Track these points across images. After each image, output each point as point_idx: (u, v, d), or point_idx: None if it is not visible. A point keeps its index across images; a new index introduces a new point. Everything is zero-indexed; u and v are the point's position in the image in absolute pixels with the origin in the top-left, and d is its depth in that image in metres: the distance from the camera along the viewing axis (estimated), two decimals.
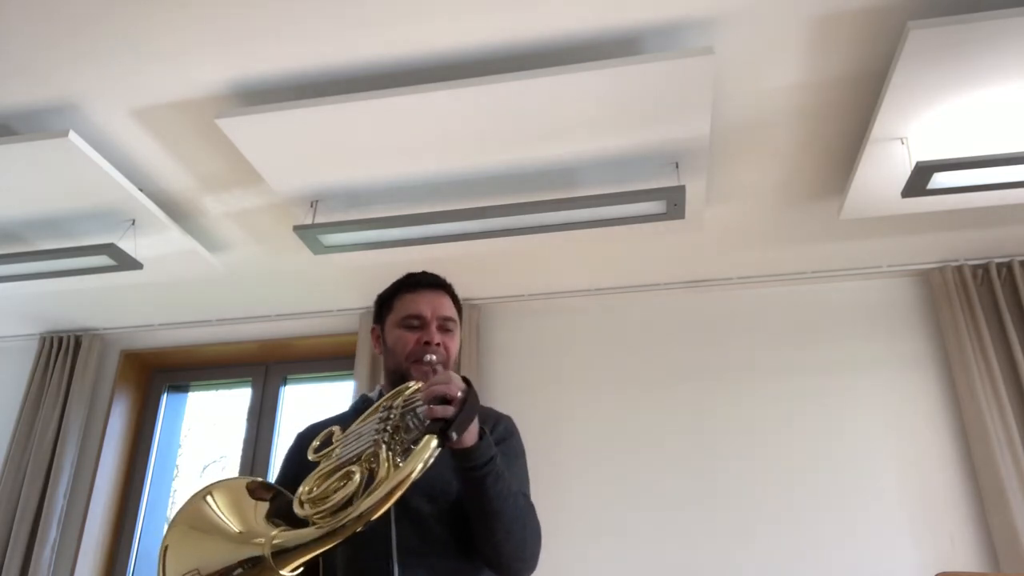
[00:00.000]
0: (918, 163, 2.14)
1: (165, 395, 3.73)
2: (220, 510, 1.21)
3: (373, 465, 1.17)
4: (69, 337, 3.55)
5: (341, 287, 3.25)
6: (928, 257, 3.04)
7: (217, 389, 3.82)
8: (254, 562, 1.12)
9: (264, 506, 1.24)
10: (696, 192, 2.40)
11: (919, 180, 2.18)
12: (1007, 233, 2.89)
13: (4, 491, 3.24)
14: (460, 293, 1.69)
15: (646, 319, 3.24)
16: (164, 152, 2.42)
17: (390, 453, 1.16)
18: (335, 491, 1.15)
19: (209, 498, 1.22)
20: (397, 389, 1.30)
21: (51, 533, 3.17)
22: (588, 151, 2.26)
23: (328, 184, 2.40)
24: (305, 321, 3.47)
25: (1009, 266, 2.98)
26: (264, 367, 3.62)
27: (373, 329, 1.61)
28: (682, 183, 2.30)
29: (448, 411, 1.17)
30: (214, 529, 1.18)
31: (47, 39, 1.98)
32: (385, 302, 1.60)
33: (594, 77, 1.97)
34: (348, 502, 1.12)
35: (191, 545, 1.17)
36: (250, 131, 2.17)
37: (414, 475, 1.09)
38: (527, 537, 1.32)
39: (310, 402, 3.73)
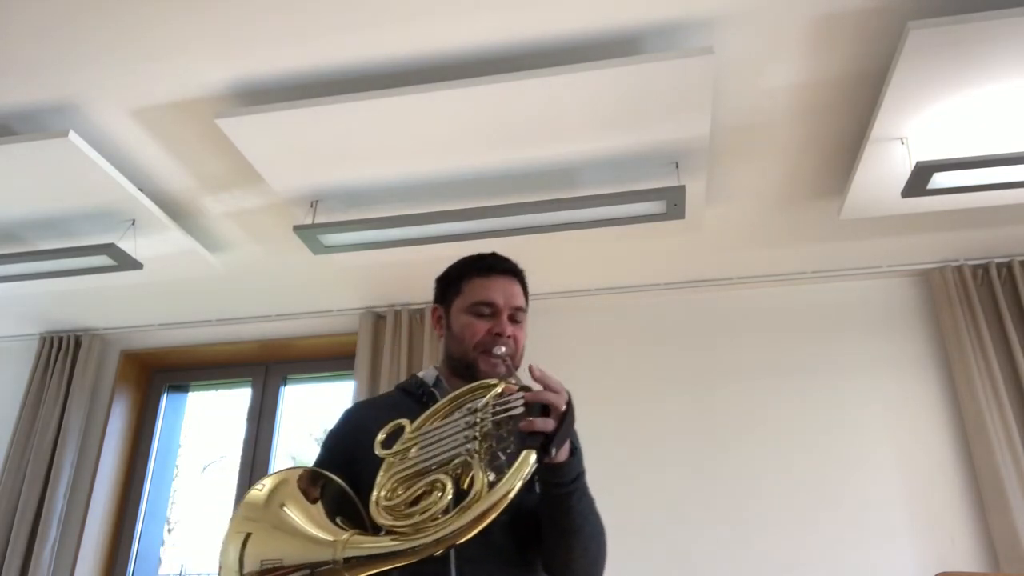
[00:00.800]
0: (918, 163, 2.14)
1: (165, 395, 3.73)
2: (289, 506, 1.14)
3: (461, 476, 1.09)
4: (69, 337, 3.55)
5: (341, 287, 3.25)
6: (928, 257, 3.04)
7: (217, 389, 3.83)
8: (323, 565, 1.06)
9: (321, 502, 1.16)
10: (696, 192, 2.40)
11: (919, 180, 2.18)
12: (1007, 233, 2.89)
13: (4, 491, 3.24)
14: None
15: (646, 319, 3.24)
16: (164, 152, 2.42)
17: (482, 465, 1.07)
18: (418, 502, 1.08)
19: (276, 491, 1.16)
20: (475, 386, 1.21)
21: (51, 533, 3.16)
22: (588, 151, 2.26)
23: (328, 184, 2.40)
24: (305, 321, 3.47)
25: (1009, 266, 2.98)
26: (264, 367, 3.62)
27: (435, 309, 1.52)
28: (682, 183, 2.30)
29: (549, 424, 1.10)
30: (285, 525, 1.12)
31: (47, 39, 1.98)
32: (452, 283, 1.50)
33: (594, 77, 1.97)
34: (433, 518, 1.04)
35: (267, 538, 1.11)
36: (250, 131, 2.17)
37: (511, 495, 1.02)
38: (600, 555, 1.28)
39: (310, 402, 3.73)
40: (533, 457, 1.05)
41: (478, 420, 1.13)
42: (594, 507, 1.27)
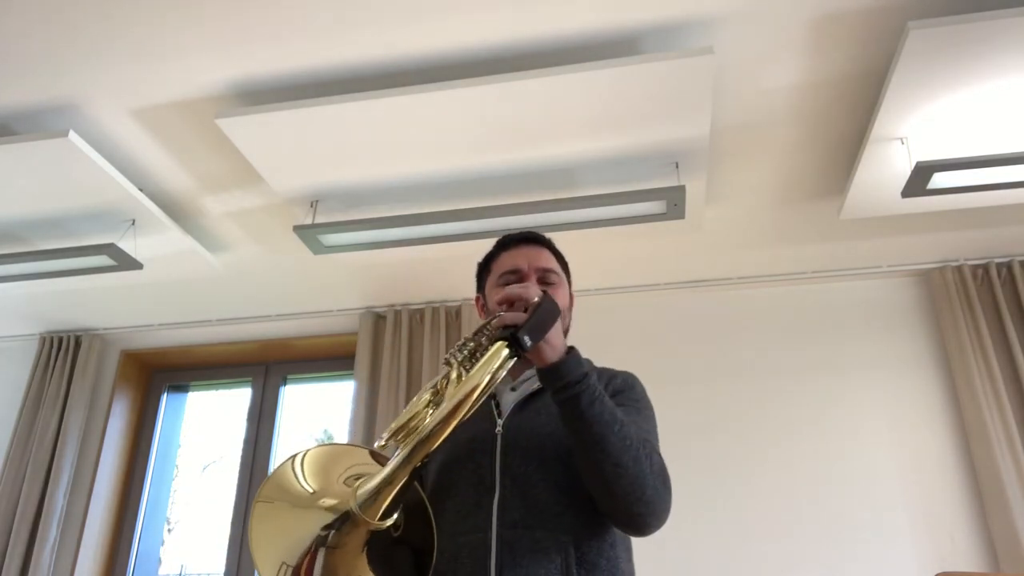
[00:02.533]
0: (918, 163, 2.14)
1: (165, 395, 3.73)
2: (304, 479, 1.11)
3: (439, 383, 1.11)
4: (69, 337, 3.55)
5: (341, 287, 3.25)
6: (928, 257, 3.04)
7: (217, 389, 3.83)
8: (343, 520, 1.04)
9: (348, 468, 1.13)
10: (696, 192, 2.40)
11: (919, 180, 2.19)
12: (1007, 233, 2.89)
13: (4, 491, 3.24)
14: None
15: (646, 319, 3.24)
16: (164, 152, 2.42)
17: (461, 370, 1.09)
18: (407, 417, 1.09)
19: (294, 466, 1.12)
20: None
21: (51, 533, 3.16)
22: (588, 151, 2.26)
23: (328, 184, 2.40)
24: (305, 321, 3.47)
25: (1009, 266, 2.98)
26: (264, 367, 3.62)
27: (477, 299, 1.52)
28: (682, 183, 2.30)
29: (519, 317, 1.09)
30: (297, 500, 1.09)
31: (47, 39, 1.98)
32: (483, 268, 1.51)
33: (594, 77, 1.97)
34: (416, 425, 1.06)
35: (275, 523, 1.08)
36: (250, 131, 2.17)
37: (481, 385, 1.02)
38: (645, 474, 1.14)
39: (310, 402, 3.73)
40: (505, 350, 1.05)
41: (467, 342, 1.14)
42: (619, 417, 1.15)
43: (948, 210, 2.59)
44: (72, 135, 2.18)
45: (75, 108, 2.22)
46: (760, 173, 2.55)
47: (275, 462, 3.42)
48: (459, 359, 1.10)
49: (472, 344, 1.13)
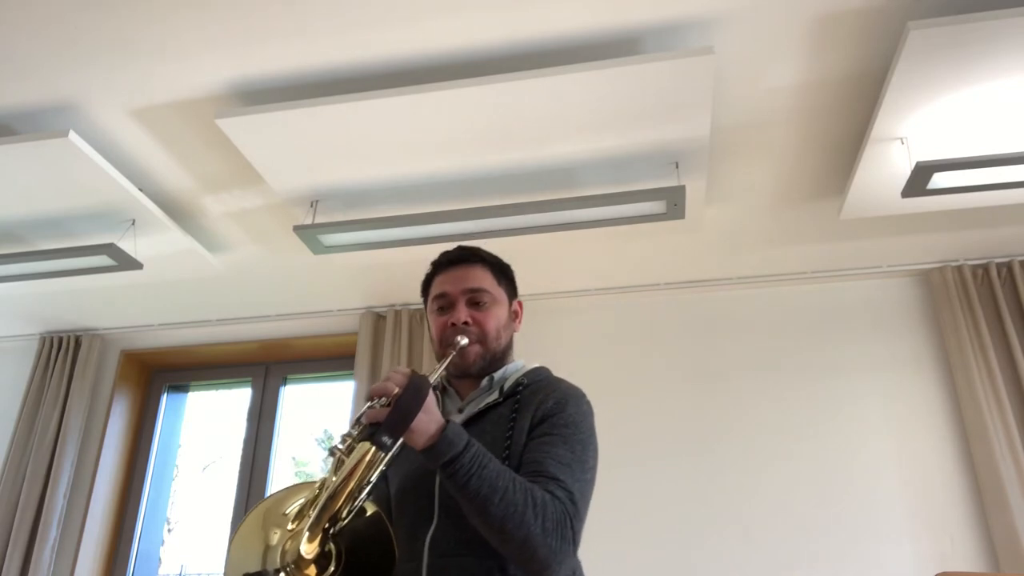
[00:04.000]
0: (918, 163, 2.14)
1: (165, 395, 3.73)
2: (263, 527, 1.22)
3: (325, 481, 1.19)
4: (69, 337, 3.55)
5: (341, 287, 3.25)
6: (928, 257, 3.04)
7: (217, 389, 3.83)
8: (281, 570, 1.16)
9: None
10: (696, 192, 2.40)
11: (919, 180, 2.18)
12: (1007, 233, 2.89)
13: (4, 491, 3.24)
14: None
15: (646, 319, 3.24)
16: (164, 152, 2.42)
17: (343, 459, 1.16)
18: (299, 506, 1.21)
19: (263, 509, 1.23)
20: None
21: (51, 533, 3.17)
22: (588, 151, 2.26)
23: (328, 184, 2.40)
24: (305, 321, 3.47)
25: (1009, 266, 2.98)
26: (264, 367, 3.62)
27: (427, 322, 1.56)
28: (682, 183, 2.30)
29: (380, 413, 1.13)
30: (253, 549, 1.20)
31: (47, 39, 1.98)
32: (423, 291, 1.54)
33: (594, 77, 1.97)
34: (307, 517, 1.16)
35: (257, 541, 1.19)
36: (250, 131, 2.17)
37: (355, 476, 1.13)
38: (533, 536, 1.16)
39: (310, 402, 3.73)
40: (364, 446, 1.13)
41: (349, 429, 1.19)
42: (502, 486, 1.16)
43: (948, 210, 2.59)
44: (72, 135, 2.18)
45: (75, 108, 2.22)
46: (760, 173, 2.55)
47: (275, 462, 3.42)
48: (342, 449, 1.16)
49: (354, 434, 1.19)
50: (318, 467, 3.97)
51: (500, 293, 1.50)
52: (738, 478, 2.89)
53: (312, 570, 1.14)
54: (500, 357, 1.48)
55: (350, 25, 1.94)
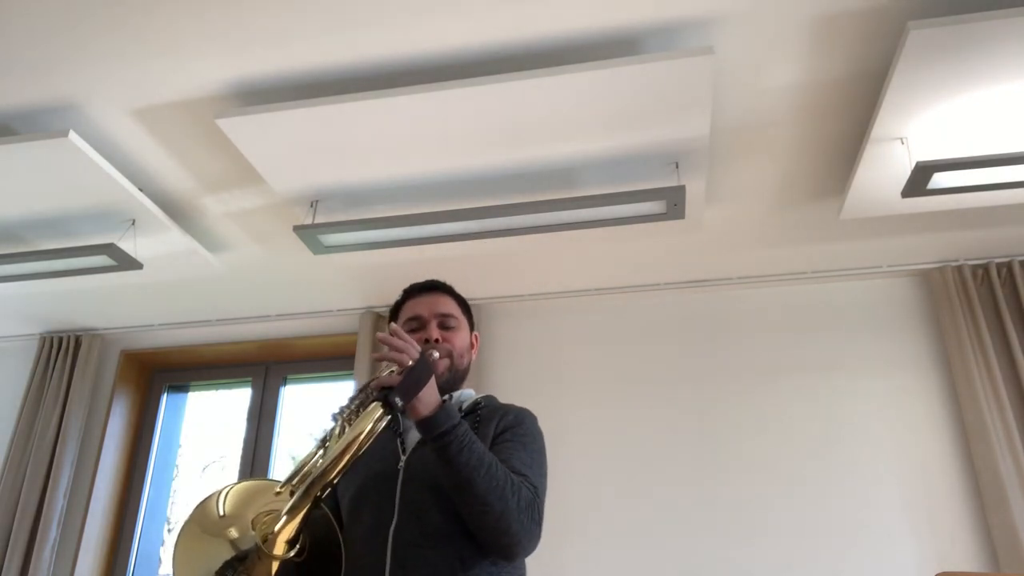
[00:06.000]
0: (918, 163, 2.14)
1: (165, 395, 3.73)
2: (225, 512, 1.25)
3: (330, 437, 1.29)
4: (69, 337, 3.55)
5: (341, 287, 3.25)
6: (928, 257, 3.04)
7: (217, 389, 3.82)
8: (249, 552, 1.18)
9: (266, 504, 1.26)
10: (696, 192, 2.40)
11: (919, 180, 2.18)
12: (1007, 233, 2.89)
13: (4, 491, 3.24)
14: (460, 293, 1.72)
15: (646, 319, 3.24)
16: (164, 152, 2.42)
17: (346, 424, 1.27)
18: (299, 466, 1.27)
19: (217, 499, 1.26)
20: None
21: (51, 533, 3.17)
22: (588, 151, 2.26)
23: (328, 184, 2.40)
24: (305, 321, 3.47)
25: (1009, 266, 2.98)
26: (264, 367, 3.62)
27: None
28: (682, 183, 2.30)
29: (393, 379, 1.26)
30: (215, 531, 1.22)
31: (47, 39, 1.98)
32: (393, 314, 1.70)
33: (594, 77, 1.97)
34: (309, 471, 1.23)
35: (197, 549, 1.21)
36: (250, 131, 2.17)
37: (361, 436, 1.20)
38: (510, 511, 1.29)
39: (310, 402, 3.73)
40: (376, 406, 1.22)
41: (357, 396, 1.34)
42: (487, 461, 1.30)
43: (948, 210, 2.59)
44: (72, 135, 2.18)
45: (75, 108, 2.22)
46: (760, 173, 2.55)
47: (275, 462, 3.42)
48: (345, 415, 1.30)
49: (358, 400, 1.33)
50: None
51: (464, 322, 1.68)
52: (738, 478, 2.89)
53: (281, 548, 1.18)
54: (461, 377, 1.63)
55: (350, 25, 1.94)
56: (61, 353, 3.51)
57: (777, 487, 2.86)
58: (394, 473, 1.44)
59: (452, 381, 1.59)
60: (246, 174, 2.50)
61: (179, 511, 3.74)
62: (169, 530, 3.64)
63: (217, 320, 3.49)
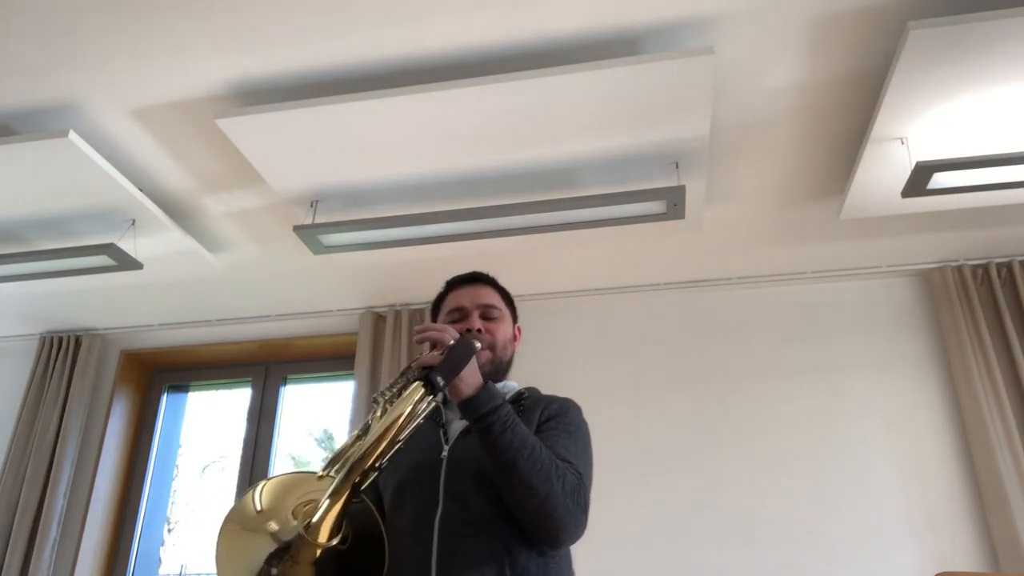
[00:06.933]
0: (918, 163, 2.14)
1: (165, 395, 3.73)
2: (262, 505, 1.23)
3: (371, 418, 1.26)
4: (69, 337, 3.55)
5: (341, 287, 3.25)
6: (928, 257, 3.04)
7: (217, 389, 3.82)
8: (292, 542, 1.15)
9: (303, 495, 1.24)
10: (696, 192, 2.40)
11: (919, 180, 2.18)
12: (1007, 233, 2.89)
13: (4, 491, 3.24)
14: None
15: (646, 319, 3.24)
16: (164, 152, 2.42)
17: (387, 406, 1.24)
18: (339, 450, 1.24)
19: (253, 496, 1.24)
20: None
21: (51, 533, 3.16)
22: (588, 151, 2.26)
23: (328, 184, 2.40)
24: (305, 321, 3.47)
25: (1009, 266, 2.98)
26: (264, 367, 3.62)
27: None
28: (682, 183, 2.30)
29: (434, 358, 1.25)
30: (254, 526, 1.20)
31: (48, 39, 1.98)
32: (435, 307, 1.69)
33: (594, 77, 1.97)
34: (349, 454, 1.20)
35: (238, 546, 1.19)
36: (250, 131, 2.17)
37: (403, 416, 1.18)
38: (555, 494, 1.25)
39: (310, 402, 3.74)
40: (418, 386, 1.20)
41: (394, 379, 1.30)
42: (531, 443, 1.27)
43: (948, 210, 2.59)
44: (72, 135, 2.18)
45: (75, 108, 2.22)
46: (760, 173, 2.55)
47: (275, 462, 3.42)
48: (387, 398, 1.26)
49: (400, 384, 1.29)
50: (318, 467, 3.97)
51: (507, 313, 1.66)
52: (738, 478, 2.89)
53: (324, 534, 1.15)
54: (504, 369, 1.61)
55: (350, 25, 1.94)
56: (61, 353, 3.51)
57: (777, 487, 2.86)
58: (437, 462, 1.41)
59: (494, 372, 1.56)
60: (246, 174, 2.50)
61: (179, 511, 3.74)
62: (169, 530, 3.64)
63: (217, 320, 3.49)
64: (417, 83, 2.06)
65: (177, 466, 3.73)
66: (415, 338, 1.33)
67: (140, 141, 2.36)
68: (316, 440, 3.94)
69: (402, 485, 1.43)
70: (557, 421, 1.46)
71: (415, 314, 3.31)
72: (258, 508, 1.21)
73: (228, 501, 3.37)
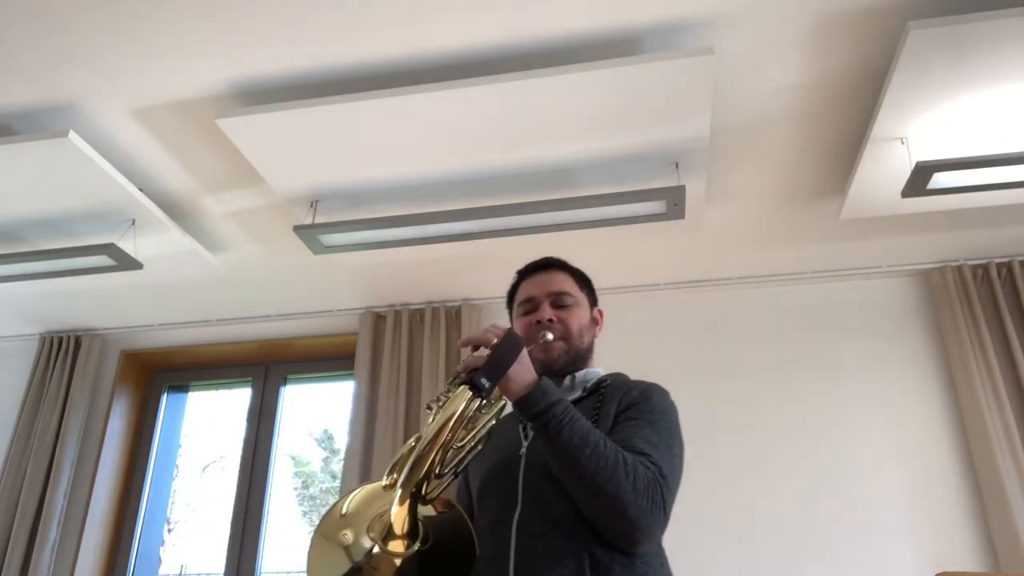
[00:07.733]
0: (918, 163, 2.14)
1: (165, 395, 3.72)
2: (345, 518, 1.22)
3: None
4: (69, 337, 3.55)
5: (341, 287, 3.25)
6: (928, 257, 3.04)
7: (217, 389, 3.82)
8: (368, 558, 1.15)
9: (382, 506, 1.23)
10: (696, 192, 2.40)
11: (919, 180, 2.18)
12: (1007, 233, 2.89)
13: (4, 491, 3.24)
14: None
15: (646, 319, 3.24)
16: (164, 152, 2.42)
17: (438, 411, 1.19)
18: (397, 457, 1.22)
19: (343, 503, 1.23)
20: None
21: (51, 533, 3.16)
22: (588, 151, 2.26)
23: (328, 184, 2.40)
24: (305, 321, 3.47)
25: (1009, 266, 2.98)
26: (264, 367, 3.62)
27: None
28: (682, 183, 2.30)
29: (478, 359, 1.18)
30: (337, 538, 1.19)
31: (47, 39, 1.98)
32: (510, 301, 1.63)
33: (594, 77, 1.97)
34: (405, 460, 1.17)
35: (324, 556, 1.18)
36: (250, 131, 2.17)
37: (451, 422, 1.12)
38: (624, 492, 1.16)
39: (310, 402, 3.74)
40: (464, 390, 1.14)
41: (448, 383, 1.24)
42: (593, 440, 1.19)
43: (948, 210, 2.59)
44: (72, 135, 2.18)
45: (75, 108, 2.22)
46: (760, 173, 2.55)
47: (275, 462, 3.42)
48: (440, 403, 1.20)
49: (449, 389, 1.23)
50: (318, 467, 3.98)
51: (582, 297, 1.61)
52: (738, 478, 2.89)
53: (400, 544, 1.14)
54: (582, 357, 1.56)
55: (350, 25, 1.94)
56: (61, 353, 3.51)
57: (776, 487, 2.86)
58: (516, 460, 1.36)
59: (572, 362, 1.51)
60: (246, 174, 2.50)
61: (179, 511, 3.74)
62: (169, 530, 3.64)
63: (217, 320, 3.49)
64: (417, 83, 2.06)
65: (177, 466, 3.73)
66: (459, 345, 1.33)
67: (140, 141, 2.36)
68: (316, 440, 3.94)
69: (484, 483, 1.40)
70: (636, 410, 1.37)
71: (415, 314, 3.31)
72: (343, 512, 1.21)
73: (228, 501, 3.37)
